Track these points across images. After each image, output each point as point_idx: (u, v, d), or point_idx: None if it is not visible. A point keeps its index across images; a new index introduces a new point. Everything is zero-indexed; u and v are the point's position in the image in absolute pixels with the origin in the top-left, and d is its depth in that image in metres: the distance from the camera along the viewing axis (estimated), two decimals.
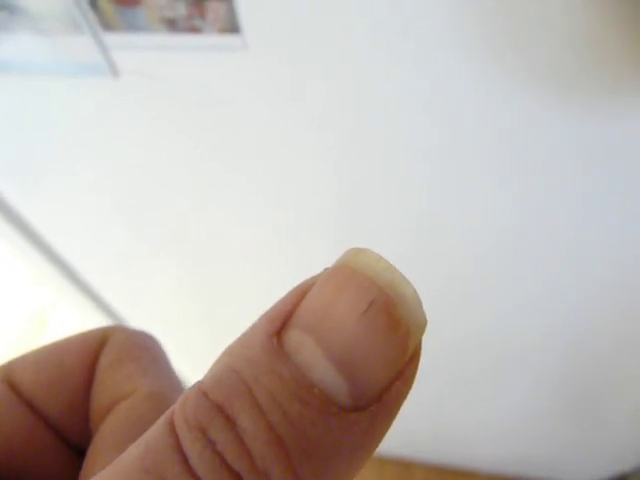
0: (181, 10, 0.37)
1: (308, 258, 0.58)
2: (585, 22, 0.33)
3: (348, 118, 0.42)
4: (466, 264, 0.56)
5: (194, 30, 0.38)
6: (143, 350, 0.16)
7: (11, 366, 0.15)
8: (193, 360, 0.72)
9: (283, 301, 0.10)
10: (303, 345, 0.09)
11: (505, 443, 0.96)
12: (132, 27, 0.39)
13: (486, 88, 0.38)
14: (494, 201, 0.47)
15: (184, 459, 0.09)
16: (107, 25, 0.39)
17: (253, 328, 0.10)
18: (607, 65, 0.35)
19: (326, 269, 0.10)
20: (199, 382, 0.10)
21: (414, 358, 0.10)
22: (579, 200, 0.45)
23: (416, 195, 0.48)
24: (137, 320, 0.82)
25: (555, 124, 0.39)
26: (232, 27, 0.37)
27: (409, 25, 0.35)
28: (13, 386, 0.14)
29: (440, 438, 1.00)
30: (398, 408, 0.10)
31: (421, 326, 0.10)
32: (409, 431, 0.97)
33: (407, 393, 0.10)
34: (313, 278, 0.10)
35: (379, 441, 0.10)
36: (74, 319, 0.87)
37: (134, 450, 0.09)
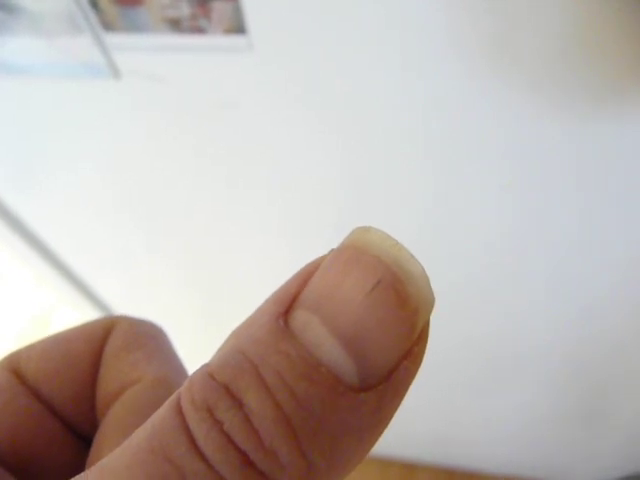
0: (185, 10, 0.36)
1: (311, 256, 0.57)
2: (582, 28, 0.32)
3: (354, 120, 0.42)
4: (471, 268, 0.55)
5: (198, 30, 0.37)
6: (148, 338, 0.16)
7: (17, 355, 0.15)
8: (198, 362, 0.72)
9: (289, 282, 0.10)
10: (309, 325, 0.09)
11: (510, 445, 0.96)
12: (134, 27, 0.38)
13: (485, 93, 0.37)
14: (495, 205, 0.47)
15: (191, 440, 0.08)
16: (108, 25, 0.38)
17: (259, 310, 0.10)
18: (606, 71, 0.34)
19: (332, 249, 0.10)
20: (205, 364, 0.10)
21: (422, 336, 0.10)
22: (580, 205, 0.45)
23: (419, 199, 0.48)
24: None
25: (555, 128, 0.39)
26: (237, 27, 0.36)
27: (415, 30, 0.34)
28: (19, 375, 0.14)
29: (444, 440, 0.99)
30: (407, 388, 0.10)
31: (429, 304, 0.10)
32: (413, 433, 0.96)
33: (416, 372, 0.10)
34: (320, 259, 0.10)
35: (388, 421, 0.10)
36: (76, 322, 0.87)
37: (141, 432, 0.09)
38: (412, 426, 0.92)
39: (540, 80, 0.36)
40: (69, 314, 0.88)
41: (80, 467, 0.14)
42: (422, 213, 0.50)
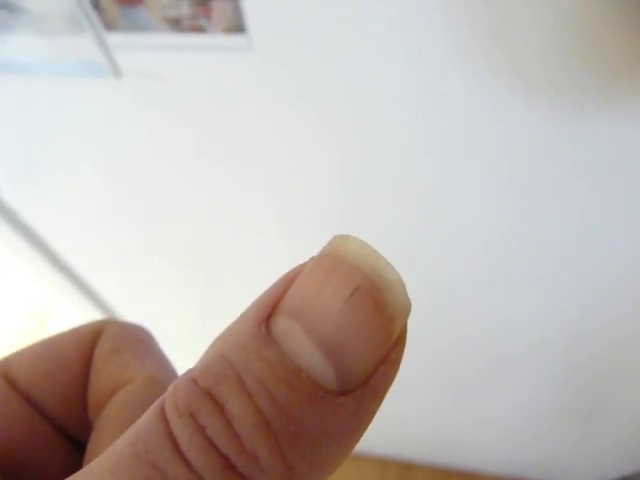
0: (185, 9, 0.36)
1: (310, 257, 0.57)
2: (579, 24, 0.32)
3: (354, 118, 0.42)
4: (470, 266, 0.55)
5: (198, 30, 0.37)
6: (138, 341, 0.16)
7: (7, 361, 0.15)
8: (195, 362, 0.72)
9: (271, 289, 0.10)
10: (290, 331, 0.09)
11: (507, 445, 0.96)
12: (135, 27, 0.38)
13: (484, 91, 0.37)
14: (494, 203, 0.47)
15: (174, 444, 0.09)
16: (109, 25, 0.38)
17: (242, 316, 0.10)
18: (604, 69, 0.34)
19: (312, 257, 0.10)
20: (189, 370, 0.10)
21: (399, 342, 0.10)
22: (578, 204, 0.45)
23: (418, 197, 0.48)
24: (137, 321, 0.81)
25: (554, 127, 0.39)
26: (237, 27, 0.36)
27: (415, 29, 0.34)
28: (10, 380, 0.14)
29: (442, 439, 0.99)
30: (385, 392, 0.10)
31: (406, 310, 0.10)
32: (411, 432, 0.96)
33: (393, 377, 0.10)
34: (300, 266, 0.10)
35: (366, 425, 0.10)
36: (74, 320, 0.87)
37: (125, 437, 0.09)
38: (410, 425, 0.92)
39: (537, 78, 0.36)
40: (67, 311, 0.88)
41: (72, 470, 0.14)
42: (421, 211, 0.50)
